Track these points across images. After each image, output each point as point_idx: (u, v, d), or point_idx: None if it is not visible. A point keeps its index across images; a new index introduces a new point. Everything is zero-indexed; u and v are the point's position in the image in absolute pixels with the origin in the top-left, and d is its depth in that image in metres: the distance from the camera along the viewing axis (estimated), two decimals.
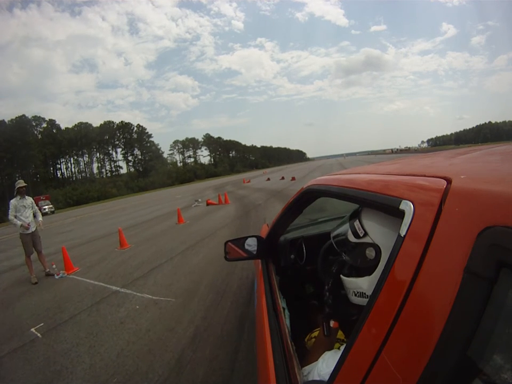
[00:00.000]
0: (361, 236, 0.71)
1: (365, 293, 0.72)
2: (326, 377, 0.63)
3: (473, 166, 0.56)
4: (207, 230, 6.35)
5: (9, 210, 4.28)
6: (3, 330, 2.91)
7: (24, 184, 4.43)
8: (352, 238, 0.74)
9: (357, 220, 0.73)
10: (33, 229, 4.43)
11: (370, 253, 0.69)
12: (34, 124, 63.79)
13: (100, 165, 74.82)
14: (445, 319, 0.33)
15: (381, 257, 0.67)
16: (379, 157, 52.32)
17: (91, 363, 2.14)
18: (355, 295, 0.74)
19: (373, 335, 0.44)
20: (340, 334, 0.95)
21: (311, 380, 0.69)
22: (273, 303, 1.09)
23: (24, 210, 4.33)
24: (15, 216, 4.27)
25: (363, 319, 0.47)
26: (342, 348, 0.69)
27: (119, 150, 77.14)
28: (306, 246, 1.44)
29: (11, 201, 4.33)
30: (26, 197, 4.44)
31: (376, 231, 0.69)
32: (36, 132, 63.86)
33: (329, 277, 0.90)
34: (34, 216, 4.48)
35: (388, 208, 0.53)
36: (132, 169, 77.03)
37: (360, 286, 0.73)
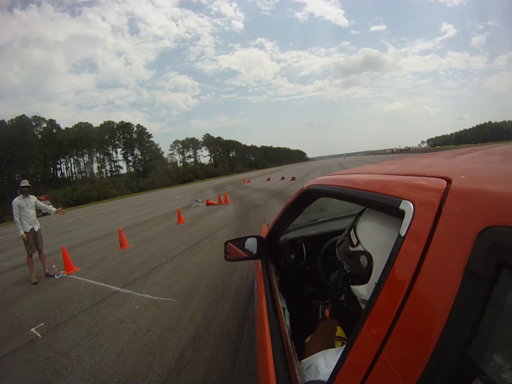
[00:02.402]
0: (355, 244, 0.72)
1: (367, 300, 0.71)
2: (326, 377, 0.63)
3: (473, 166, 0.56)
4: (207, 230, 6.35)
5: (14, 211, 4.28)
6: (3, 330, 2.91)
7: (28, 184, 4.44)
8: (350, 247, 0.74)
9: (352, 229, 0.75)
10: (37, 229, 4.44)
11: (364, 261, 0.69)
12: (34, 124, 63.80)
13: (100, 165, 74.90)
14: (445, 319, 0.33)
15: (373, 265, 0.67)
16: (379, 157, 52.31)
17: (91, 363, 2.14)
18: (361, 302, 0.73)
19: (373, 335, 0.44)
20: (341, 332, 0.95)
21: (310, 380, 0.69)
22: (273, 303, 1.09)
23: (28, 210, 4.34)
24: (20, 218, 4.27)
25: (363, 319, 0.47)
26: (343, 347, 0.69)
27: (119, 150, 77.33)
28: (306, 246, 1.44)
29: (14, 200, 4.32)
30: (30, 196, 4.46)
31: (366, 239, 0.70)
32: (35, 132, 63.88)
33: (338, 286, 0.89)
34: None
35: (388, 208, 0.53)
36: (132, 169, 77.10)
37: (361, 293, 0.72)
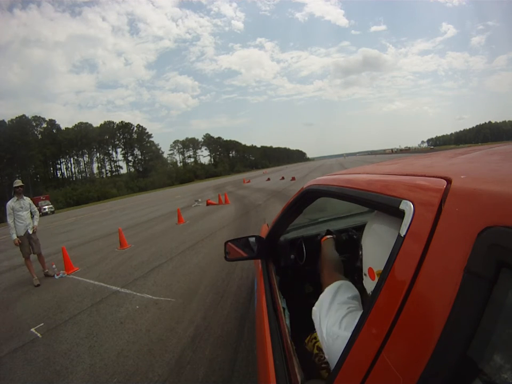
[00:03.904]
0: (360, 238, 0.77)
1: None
2: (336, 338, 0.59)
3: (473, 166, 0.56)
4: (207, 230, 6.35)
5: (7, 213, 4.13)
6: (3, 330, 2.92)
7: (22, 184, 4.30)
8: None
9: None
10: (31, 231, 4.31)
11: (359, 252, 0.74)
12: (34, 124, 63.84)
13: (100, 165, 74.98)
14: (445, 319, 0.33)
15: (363, 257, 0.72)
16: (379, 157, 52.30)
17: (91, 363, 2.14)
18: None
19: (373, 335, 0.44)
20: None
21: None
22: (273, 303, 1.09)
23: (22, 212, 4.21)
24: (14, 221, 4.14)
25: (363, 319, 0.47)
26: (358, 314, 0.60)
27: (119, 150, 77.47)
28: (306, 246, 1.44)
29: (8, 203, 4.17)
30: (24, 197, 4.32)
31: (365, 233, 0.73)
32: (35, 132, 63.92)
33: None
34: (32, 217, 4.39)
35: (388, 208, 0.53)
36: (132, 169, 77.18)
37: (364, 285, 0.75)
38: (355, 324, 0.52)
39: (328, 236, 1.08)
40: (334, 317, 0.61)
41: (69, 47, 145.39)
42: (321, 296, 0.70)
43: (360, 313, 0.56)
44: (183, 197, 19.19)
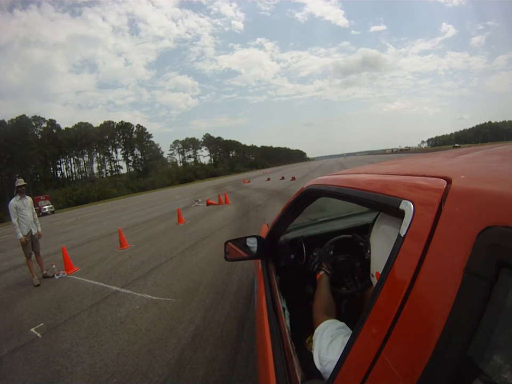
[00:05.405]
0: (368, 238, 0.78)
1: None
2: (326, 364, 0.64)
3: (473, 166, 0.56)
4: (207, 230, 6.35)
5: (11, 213, 4.13)
6: (3, 330, 2.91)
7: (24, 183, 4.31)
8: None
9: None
10: (34, 232, 4.33)
11: (368, 251, 0.76)
12: (34, 124, 63.88)
13: (100, 165, 75.02)
14: (445, 319, 0.33)
15: (370, 255, 0.74)
16: (379, 157, 52.30)
17: (91, 363, 2.14)
18: None
19: (373, 335, 0.44)
20: None
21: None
22: (273, 303, 1.09)
23: (25, 211, 4.23)
24: (18, 220, 4.15)
25: (363, 319, 0.47)
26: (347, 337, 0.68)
27: (119, 150, 77.53)
28: (306, 246, 1.44)
29: (11, 202, 4.17)
30: (26, 196, 4.34)
31: (373, 234, 0.74)
32: (36, 132, 63.98)
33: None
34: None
35: (387, 208, 0.53)
36: (132, 169, 77.22)
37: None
38: (341, 346, 0.59)
39: (322, 272, 1.06)
40: (324, 347, 0.67)
41: (69, 47, 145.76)
42: (314, 332, 0.75)
43: (347, 337, 0.62)
44: (183, 197, 19.19)
